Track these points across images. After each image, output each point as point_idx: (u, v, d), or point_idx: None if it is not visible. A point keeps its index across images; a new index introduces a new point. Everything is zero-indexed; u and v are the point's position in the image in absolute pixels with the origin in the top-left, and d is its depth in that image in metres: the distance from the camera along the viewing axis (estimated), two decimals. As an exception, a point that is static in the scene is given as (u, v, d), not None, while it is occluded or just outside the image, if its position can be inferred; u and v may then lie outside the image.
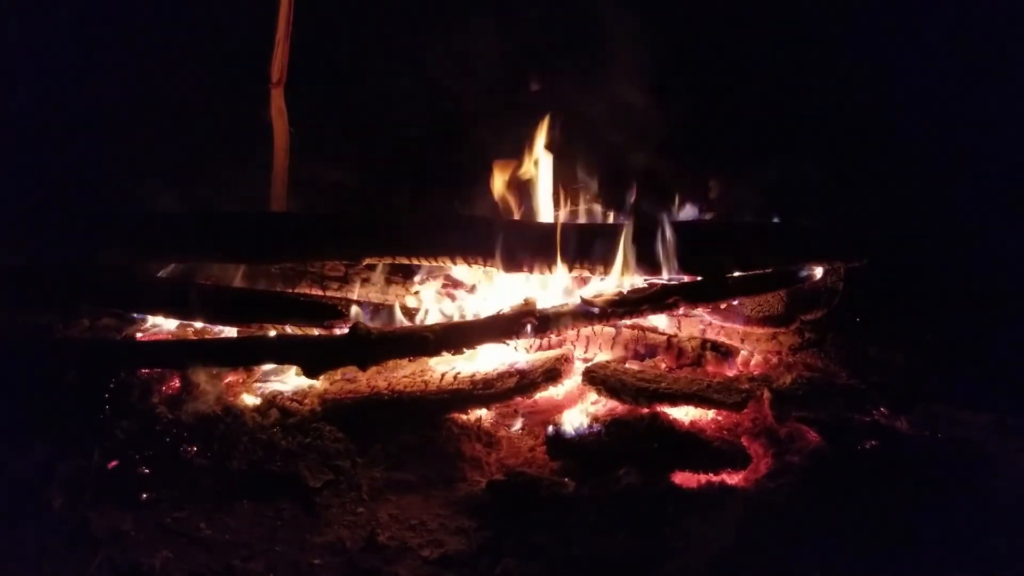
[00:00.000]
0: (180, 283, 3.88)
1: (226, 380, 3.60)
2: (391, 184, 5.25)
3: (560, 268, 3.60)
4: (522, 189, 4.06)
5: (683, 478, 2.92)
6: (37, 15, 4.93)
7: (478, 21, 4.95)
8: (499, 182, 4.06)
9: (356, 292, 4.02)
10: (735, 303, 3.73)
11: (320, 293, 4.01)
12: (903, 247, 4.14)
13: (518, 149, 4.06)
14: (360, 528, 2.77)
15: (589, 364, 3.49)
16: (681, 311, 3.62)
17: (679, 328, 3.83)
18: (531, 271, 3.64)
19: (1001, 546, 2.55)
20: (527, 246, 3.60)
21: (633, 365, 3.57)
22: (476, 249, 3.63)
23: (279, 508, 2.87)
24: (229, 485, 2.94)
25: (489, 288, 3.99)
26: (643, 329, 3.73)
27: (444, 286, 4.11)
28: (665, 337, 3.70)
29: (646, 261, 3.53)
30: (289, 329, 3.64)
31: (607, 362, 3.52)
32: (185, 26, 5.11)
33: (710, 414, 3.28)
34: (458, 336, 3.35)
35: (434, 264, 3.80)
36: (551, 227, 3.68)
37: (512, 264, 3.62)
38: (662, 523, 2.69)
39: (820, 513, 2.71)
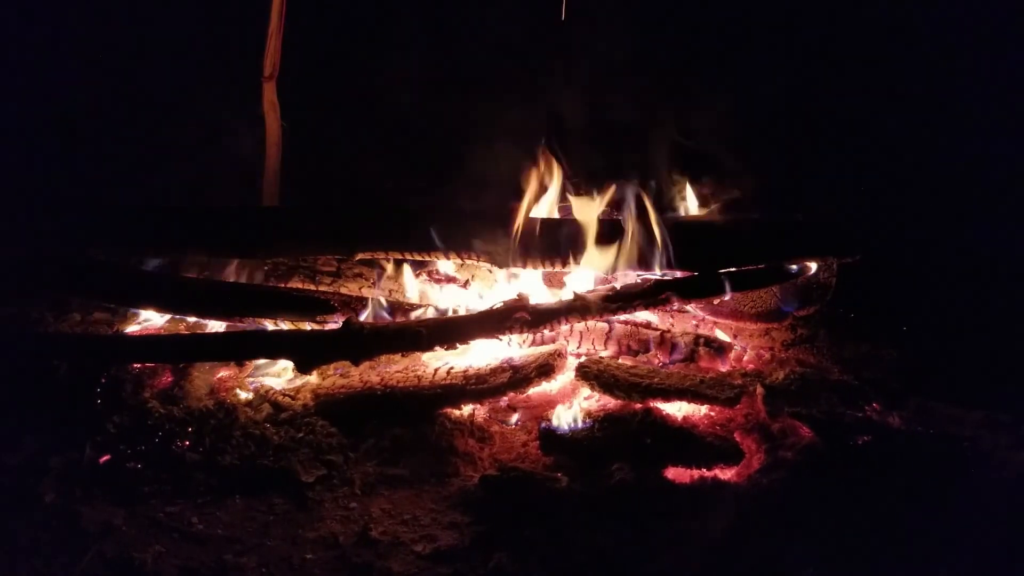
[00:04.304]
0: (172, 277, 3.86)
1: (218, 375, 3.60)
2: (384, 177, 5.24)
3: (554, 264, 3.60)
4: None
5: (676, 473, 2.92)
6: (31, 9, 4.90)
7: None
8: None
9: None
10: (728, 299, 3.73)
11: (312, 288, 3.99)
12: (896, 243, 4.14)
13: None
14: (353, 523, 2.77)
15: (582, 359, 3.49)
16: (674, 306, 3.63)
17: (672, 323, 3.83)
18: (524, 266, 3.64)
19: (993, 542, 2.56)
20: (521, 241, 3.59)
21: (626, 360, 3.57)
22: (470, 244, 3.62)
23: (271, 503, 2.87)
24: (221, 480, 2.93)
25: (482, 283, 3.99)
26: (636, 325, 3.74)
27: (437, 281, 4.11)
28: (658, 332, 3.71)
29: (639, 256, 3.53)
30: (282, 324, 3.63)
31: (600, 357, 3.52)
32: (177, 19, 5.09)
33: (703, 410, 3.28)
34: (451, 331, 3.34)
35: (428, 259, 3.79)
36: (546, 222, 3.68)
37: (505, 259, 3.61)
38: (655, 518, 2.69)
39: (813, 508, 2.71)
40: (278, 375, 3.59)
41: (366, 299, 3.78)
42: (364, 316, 3.61)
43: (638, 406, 3.19)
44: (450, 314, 3.70)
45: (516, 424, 3.34)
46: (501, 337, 3.46)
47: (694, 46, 5.18)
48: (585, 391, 3.39)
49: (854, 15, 4.90)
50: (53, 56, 5.02)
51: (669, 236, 3.51)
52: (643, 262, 3.53)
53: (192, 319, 3.85)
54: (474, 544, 2.63)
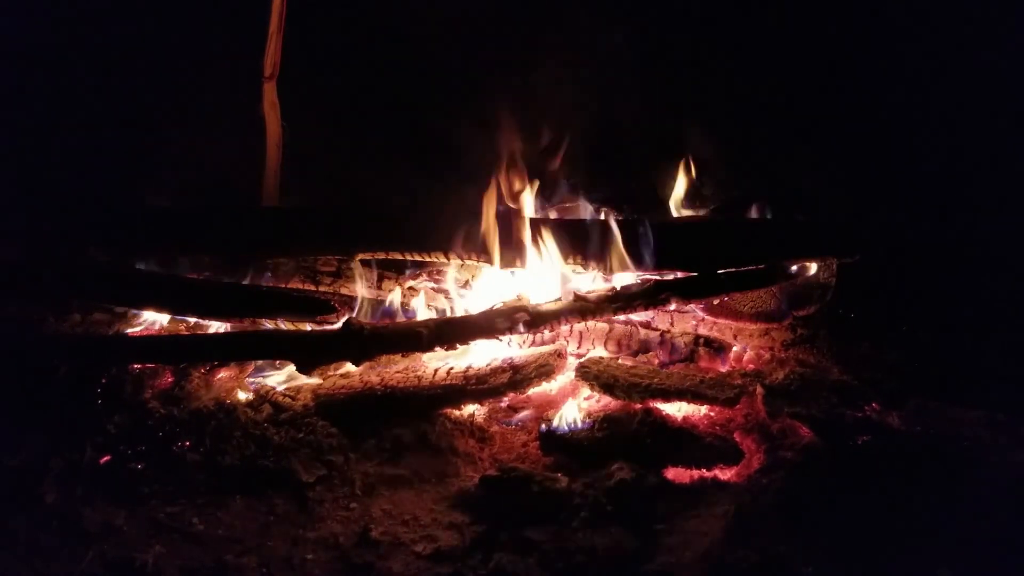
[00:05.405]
0: (172, 277, 3.86)
1: (219, 375, 3.60)
2: (384, 177, 5.24)
3: (554, 263, 3.60)
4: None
5: (676, 473, 2.93)
6: (32, 9, 4.90)
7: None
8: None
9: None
10: (727, 299, 3.73)
11: (313, 288, 4.00)
12: (896, 243, 4.14)
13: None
14: (353, 523, 2.77)
15: (582, 360, 3.50)
16: (674, 307, 3.63)
17: (672, 324, 3.83)
18: (524, 266, 3.64)
19: (993, 541, 2.56)
20: (520, 241, 3.60)
21: (626, 361, 3.57)
22: (470, 244, 3.63)
23: (272, 503, 2.87)
24: (222, 480, 2.94)
25: (483, 284, 3.99)
26: (636, 325, 3.74)
27: (437, 281, 4.10)
28: (658, 333, 3.71)
29: (639, 256, 3.53)
30: (282, 324, 3.63)
31: (600, 358, 3.52)
32: (177, 19, 5.09)
33: (703, 410, 3.29)
34: (451, 332, 3.34)
35: (427, 259, 3.80)
36: (545, 222, 3.68)
37: (506, 260, 3.61)
38: (655, 518, 2.70)
39: (812, 508, 2.71)
40: (278, 375, 3.59)
41: (366, 299, 3.79)
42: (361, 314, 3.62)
43: (638, 406, 3.19)
44: (450, 314, 3.72)
45: (516, 424, 3.34)
46: (501, 337, 3.46)
47: (693, 44, 5.18)
48: (585, 391, 3.39)
49: (857, 13, 4.91)
50: (53, 56, 5.01)
51: (669, 236, 3.52)
52: (643, 262, 3.54)
53: (192, 319, 3.85)
54: (474, 544, 2.63)
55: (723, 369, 3.59)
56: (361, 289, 3.86)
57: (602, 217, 3.98)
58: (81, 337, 3.76)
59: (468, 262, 3.75)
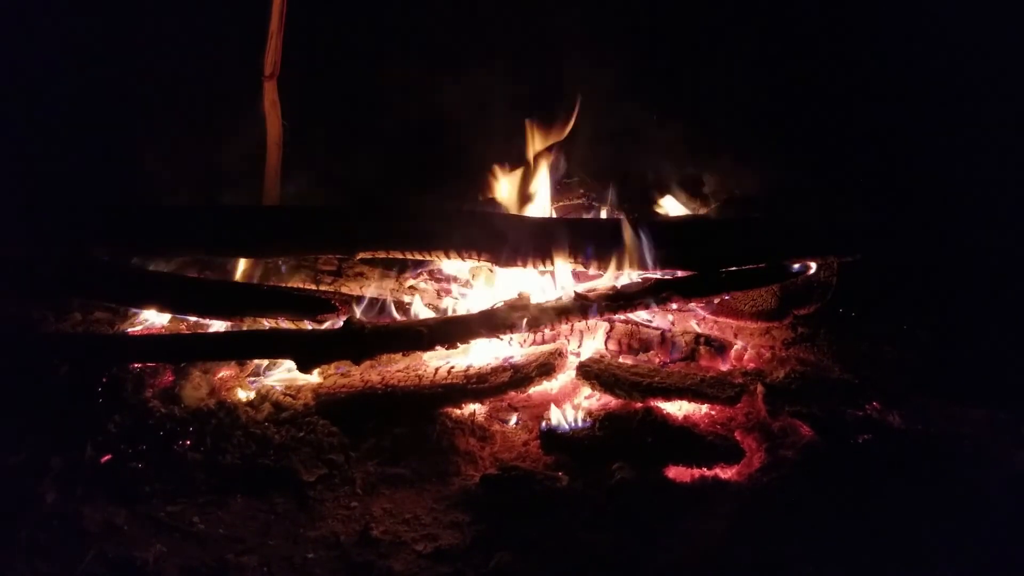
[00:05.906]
0: (173, 277, 3.86)
1: (219, 375, 3.60)
2: (385, 177, 5.24)
3: (554, 263, 3.60)
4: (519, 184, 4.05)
5: (676, 472, 2.92)
6: (33, 9, 4.90)
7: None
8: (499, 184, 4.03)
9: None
10: (728, 298, 3.73)
11: (313, 287, 4.00)
12: (896, 242, 4.14)
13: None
14: (354, 522, 2.77)
15: (583, 359, 3.49)
16: (675, 306, 3.63)
17: (673, 323, 3.83)
18: (525, 266, 3.63)
19: (993, 540, 2.56)
20: (521, 240, 3.59)
21: (627, 359, 3.57)
22: (470, 243, 3.62)
23: (272, 502, 2.87)
24: (222, 479, 2.94)
25: (483, 283, 3.99)
26: (637, 324, 3.74)
27: (438, 280, 4.10)
28: (659, 331, 3.71)
29: (640, 256, 3.53)
30: (283, 323, 3.63)
31: (601, 357, 3.52)
32: (179, 18, 5.09)
33: (704, 409, 3.28)
34: (452, 331, 3.34)
35: (428, 258, 3.79)
36: (545, 221, 3.68)
37: (506, 259, 3.61)
38: (655, 517, 2.70)
39: (813, 507, 2.71)
40: (279, 374, 3.59)
41: (367, 298, 3.78)
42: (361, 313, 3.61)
43: (639, 405, 3.19)
44: (451, 313, 3.71)
45: (517, 423, 3.34)
46: (502, 336, 3.46)
47: (698, 40, 5.18)
48: (586, 390, 3.39)
49: (861, 12, 4.91)
50: (53, 56, 5.01)
51: (670, 235, 3.51)
52: (644, 261, 3.53)
53: (193, 319, 3.85)
54: (475, 543, 2.63)
55: (724, 368, 3.59)
56: (364, 288, 3.86)
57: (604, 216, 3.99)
58: (82, 336, 3.76)
59: (468, 261, 3.74)
